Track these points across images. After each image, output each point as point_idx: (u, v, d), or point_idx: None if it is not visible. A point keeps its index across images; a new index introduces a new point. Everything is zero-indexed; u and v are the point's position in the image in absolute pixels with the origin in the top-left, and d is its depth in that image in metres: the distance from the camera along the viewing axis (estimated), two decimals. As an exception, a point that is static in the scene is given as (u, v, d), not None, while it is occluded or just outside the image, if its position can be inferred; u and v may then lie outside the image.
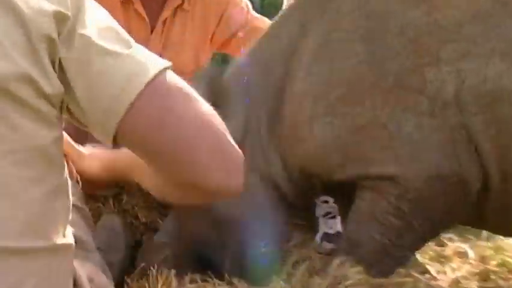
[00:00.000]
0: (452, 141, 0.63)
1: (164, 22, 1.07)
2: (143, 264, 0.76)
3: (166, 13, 1.06)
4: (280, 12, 0.87)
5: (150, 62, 0.36)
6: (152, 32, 1.06)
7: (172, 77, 0.38)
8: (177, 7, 1.06)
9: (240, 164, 0.38)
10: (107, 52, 0.34)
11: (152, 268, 0.72)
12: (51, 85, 0.33)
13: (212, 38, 1.13)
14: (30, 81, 0.32)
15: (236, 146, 0.38)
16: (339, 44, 0.69)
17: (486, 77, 0.61)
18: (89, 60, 0.34)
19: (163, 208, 0.94)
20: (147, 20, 1.05)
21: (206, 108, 0.38)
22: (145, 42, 0.74)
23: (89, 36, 0.34)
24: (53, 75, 0.34)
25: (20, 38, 0.32)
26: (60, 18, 0.33)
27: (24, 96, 0.32)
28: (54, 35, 0.33)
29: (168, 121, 0.35)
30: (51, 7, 0.33)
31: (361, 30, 0.67)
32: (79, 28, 0.34)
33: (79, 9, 0.35)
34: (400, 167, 0.64)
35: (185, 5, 1.06)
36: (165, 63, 0.38)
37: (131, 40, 0.38)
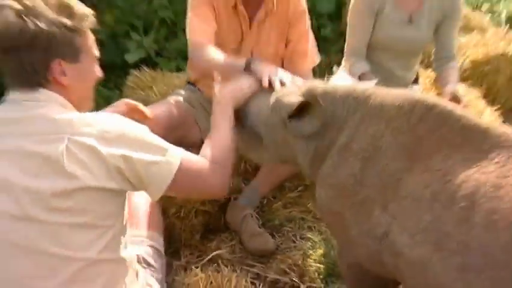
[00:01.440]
0: None
1: (258, 22, 1.36)
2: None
3: (260, 15, 1.35)
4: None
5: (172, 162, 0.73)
6: (250, 27, 1.37)
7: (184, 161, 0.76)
8: (268, 11, 1.34)
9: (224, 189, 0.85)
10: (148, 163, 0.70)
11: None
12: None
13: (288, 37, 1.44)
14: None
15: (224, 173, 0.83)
16: None
17: None
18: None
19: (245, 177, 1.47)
20: (247, 18, 1.35)
21: (205, 163, 0.80)
22: (244, 35, 1.35)
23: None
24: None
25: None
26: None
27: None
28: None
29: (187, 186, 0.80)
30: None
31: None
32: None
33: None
34: None
35: (274, 10, 1.35)
36: (179, 158, 0.74)
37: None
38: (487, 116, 1.61)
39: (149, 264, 0.92)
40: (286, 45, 1.43)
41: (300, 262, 1.22)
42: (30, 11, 0.65)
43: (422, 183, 0.71)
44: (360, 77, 1.37)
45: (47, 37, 0.66)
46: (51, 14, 0.67)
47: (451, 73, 1.42)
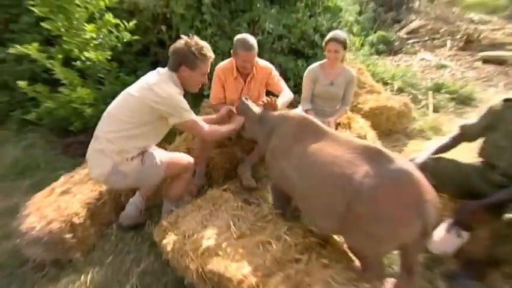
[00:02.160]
0: None
1: (248, 82, 2.49)
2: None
3: (248, 79, 2.48)
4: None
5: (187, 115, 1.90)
6: (245, 85, 2.50)
7: (192, 120, 1.93)
8: (252, 76, 2.47)
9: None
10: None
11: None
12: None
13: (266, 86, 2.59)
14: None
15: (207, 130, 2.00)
16: None
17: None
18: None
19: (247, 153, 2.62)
20: (242, 82, 2.49)
21: (205, 127, 1.98)
22: (242, 90, 2.52)
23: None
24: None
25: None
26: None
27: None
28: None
29: (191, 131, 2.15)
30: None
31: None
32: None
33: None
34: None
35: (255, 75, 2.49)
36: (187, 118, 1.90)
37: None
38: (371, 135, 2.93)
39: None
40: (266, 85, 2.55)
41: (265, 193, 2.43)
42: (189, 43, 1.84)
43: (298, 151, 1.61)
44: (306, 111, 2.65)
45: (188, 55, 1.82)
46: (194, 50, 1.82)
47: (342, 111, 2.73)
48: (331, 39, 2.52)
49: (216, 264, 1.57)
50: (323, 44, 2.61)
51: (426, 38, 6.58)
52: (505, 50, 5.35)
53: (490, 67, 5.02)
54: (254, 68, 2.45)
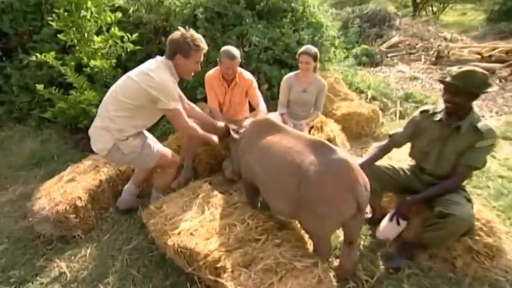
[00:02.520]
0: None
1: (231, 88, 2.59)
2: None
3: (232, 85, 2.58)
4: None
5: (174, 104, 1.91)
6: (228, 89, 2.59)
7: (177, 110, 1.94)
8: (235, 83, 2.57)
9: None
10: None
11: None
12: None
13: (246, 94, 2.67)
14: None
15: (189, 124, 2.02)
16: None
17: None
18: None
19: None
20: (227, 87, 2.59)
21: (186, 120, 1.99)
22: (226, 93, 2.63)
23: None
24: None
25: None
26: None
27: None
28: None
29: (173, 120, 2.01)
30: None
31: None
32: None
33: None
34: None
35: (238, 83, 2.58)
36: (173, 106, 1.91)
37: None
38: (340, 138, 3.03)
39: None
40: (247, 95, 2.67)
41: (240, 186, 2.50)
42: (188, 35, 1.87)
43: (259, 146, 1.74)
44: (282, 115, 2.82)
45: (183, 45, 1.83)
46: (189, 40, 1.84)
47: (314, 115, 2.86)
48: (302, 53, 2.65)
49: (189, 242, 1.71)
50: (297, 56, 2.73)
51: (404, 52, 6.68)
52: (467, 65, 5.42)
53: (455, 80, 5.10)
54: (237, 77, 2.59)
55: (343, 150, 1.56)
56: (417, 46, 6.73)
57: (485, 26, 9.37)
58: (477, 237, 1.68)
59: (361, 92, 4.29)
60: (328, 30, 4.32)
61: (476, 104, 4.26)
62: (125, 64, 3.78)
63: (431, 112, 1.80)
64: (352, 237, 1.57)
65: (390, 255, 1.86)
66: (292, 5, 3.97)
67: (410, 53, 6.64)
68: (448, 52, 6.00)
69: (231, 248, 1.61)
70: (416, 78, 5.31)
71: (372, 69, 6.24)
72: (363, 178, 1.47)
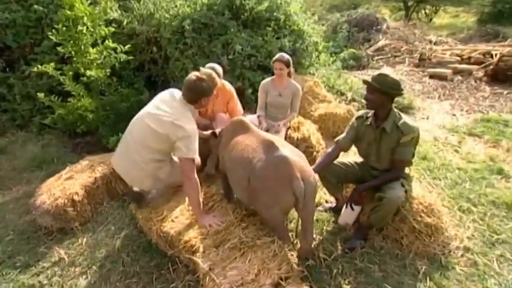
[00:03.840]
0: None
1: (212, 99, 2.54)
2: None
3: (214, 96, 2.63)
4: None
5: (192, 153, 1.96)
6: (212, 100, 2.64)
7: (189, 162, 1.95)
8: (216, 95, 2.73)
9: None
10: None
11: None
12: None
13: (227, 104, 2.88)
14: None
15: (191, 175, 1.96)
16: None
17: None
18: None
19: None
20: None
21: (194, 174, 1.97)
22: (209, 104, 2.47)
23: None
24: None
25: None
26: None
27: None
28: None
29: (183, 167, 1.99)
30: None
31: None
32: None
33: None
34: None
35: (218, 95, 2.76)
36: (192, 155, 1.95)
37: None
38: (316, 137, 3.31)
39: None
40: (227, 107, 2.89)
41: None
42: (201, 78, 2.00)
43: (231, 143, 1.98)
44: (259, 116, 3.08)
45: (207, 89, 2.01)
46: (210, 83, 2.07)
47: (290, 116, 3.13)
48: (276, 60, 2.95)
49: (170, 228, 1.98)
50: (271, 63, 3.03)
51: (389, 55, 6.97)
52: (447, 68, 5.71)
53: (433, 81, 5.40)
54: (218, 90, 2.85)
55: (288, 149, 1.79)
56: (402, 49, 7.02)
57: (474, 28, 9.68)
58: (419, 218, 1.94)
59: (342, 94, 4.57)
60: (310, 36, 4.62)
61: (449, 103, 4.56)
62: (120, 73, 4.11)
63: (364, 117, 2.08)
64: (304, 223, 1.78)
65: (349, 238, 2.12)
66: (275, 14, 4.29)
67: (395, 56, 6.94)
68: (430, 55, 6.29)
69: (206, 235, 1.87)
70: (398, 80, 5.59)
71: (359, 72, 6.54)
72: (305, 172, 1.70)
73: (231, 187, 2.26)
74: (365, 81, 1.97)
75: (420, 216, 1.95)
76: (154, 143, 2.01)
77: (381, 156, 2.01)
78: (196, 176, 1.96)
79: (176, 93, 2.09)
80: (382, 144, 1.99)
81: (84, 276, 2.07)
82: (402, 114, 1.98)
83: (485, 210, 2.34)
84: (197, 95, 2.00)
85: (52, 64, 3.28)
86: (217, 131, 2.50)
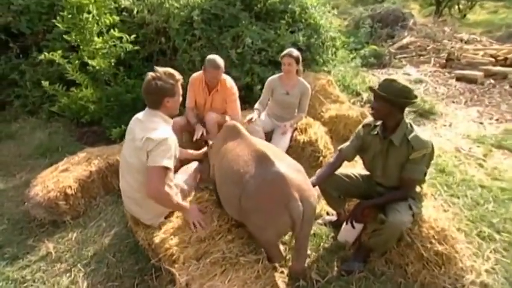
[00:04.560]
0: None
1: (212, 94, 2.64)
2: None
3: (213, 91, 2.63)
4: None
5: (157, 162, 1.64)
6: (209, 95, 2.65)
7: (160, 170, 1.65)
8: (216, 90, 2.62)
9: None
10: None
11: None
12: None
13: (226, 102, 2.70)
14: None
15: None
16: None
17: None
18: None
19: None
20: (208, 92, 2.64)
21: (162, 184, 1.68)
22: (206, 98, 2.71)
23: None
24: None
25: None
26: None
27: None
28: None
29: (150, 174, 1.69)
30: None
31: None
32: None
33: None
34: None
35: (219, 89, 2.63)
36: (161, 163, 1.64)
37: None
38: (324, 140, 3.02)
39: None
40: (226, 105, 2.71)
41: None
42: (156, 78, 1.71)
43: (221, 150, 1.80)
44: (255, 109, 2.79)
45: (166, 87, 1.70)
46: (167, 79, 1.72)
47: (298, 117, 2.92)
48: (285, 55, 2.71)
49: (155, 235, 1.86)
50: (279, 58, 2.79)
51: (414, 54, 6.48)
52: (478, 70, 5.19)
53: (461, 84, 4.92)
54: (220, 84, 2.67)
55: (284, 163, 1.56)
56: (428, 48, 6.50)
57: (514, 25, 8.77)
58: (428, 245, 1.69)
59: (357, 94, 4.25)
60: (326, 31, 4.31)
61: (477, 110, 4.13)
62: (129, 62, 4.01)
63: (372, 126, 1.82)
64: (298, 244, 1.59)
65: (347, 258, 1.91)
66: (290, 6, 4.01)
67: (420, 55, 6.43)
68: (460, 54, 5.76)
69: (188, 245, 1.72)
70: (421, 81, 5.17)
71: (379, 70, 6.12)
72: (304, 192, 1.48)
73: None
74: (370, 89, 1.72)
75: (431, 242, 1.70)
76: (139, 176, 1.79)
77: (388, 172, 1.77)
78: (164, 188, 1.70)
79: (142, 114, 1.86)
80: (389, 158, 1.74)
81: (67, 275, 1.99)
82: (415, 126, 1.72)
83: (511, 239, 2.03)
84: (157, 96, 1.74)
85: (60, 52, 3.21)
86: (210, 141, 2.30)
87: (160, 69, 1.75)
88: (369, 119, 1.90)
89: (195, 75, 2.75)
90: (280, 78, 2.88)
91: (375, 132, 1.78)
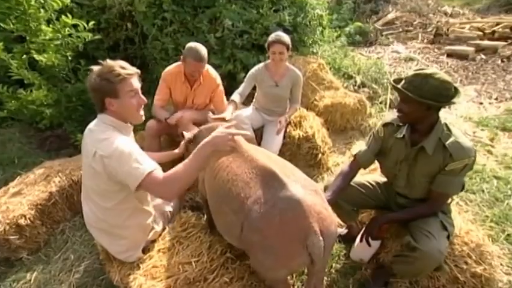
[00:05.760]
0: None
1: (194, 89, 2.22)
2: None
3: (195, 85, 2.21)
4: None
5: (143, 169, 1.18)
6: (191, 90, 2.22)
7: (151, 178, 1.18)
8: (199, 84, 2.20)
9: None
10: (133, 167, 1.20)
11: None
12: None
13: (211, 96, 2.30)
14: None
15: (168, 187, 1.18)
16: None
17: None
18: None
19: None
20: (189, 86, 2.21)
21: (162, 183, 1.18)
22: (188, 94, 2.23)
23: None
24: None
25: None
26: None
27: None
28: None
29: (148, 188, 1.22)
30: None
31: None
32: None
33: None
34: None
35: (202, 83, 2.21)
36: (150, 168, 1.18)
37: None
38: (321, 135, 2.56)
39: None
40: (211, 100, 2.30)
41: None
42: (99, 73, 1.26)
43: (212, 163, 1.37)
44: (230, 101, 2.22)
45: (104, 85, 1.25)
46: (106, 76, 1.24)
47: (292, 110, 2.49)
48: (274, 41, 2.22)
49: (132, 278, 1.44)
50: (266, 45, 2.31)
51: (400, 29, 6.11)
52: (468, 45, 4.91)
53: (452, 61, 4.63)
54: (202, 76, 2.19)
55: (299, 184, 1.17)
56: (414, 23, 6.14)
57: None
58: (464, 266, 1.39)
59: (349, 77, 3.86)
60: (313, 9, 3.81)
61: (474, 89, 3.86)
62: (92, 54, 3.37)
63: (395, 125, 1.45)
64: (315, 279, 1.24)
65: (365, 281, 1.59)
66: (273, -19, 3.46)
67: (407, 31, 6.07)
68: (447, 29, 5.44)
69: (174, 282, 1.34)
70: (411, 59, 4.84)
71: (366, 49, 5.73)
72: (325, 220, 1.11)
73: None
74: (395, 88, 1.32)
75: (466, 262, 1.40)
76: (101, 201, 1.40)
77: (414, 183, 1.42)
78: (167, 186, 1.22)
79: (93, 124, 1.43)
80: (417, 168, 1.38)
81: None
82: (453, 128, 1.34)
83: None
84: (96, 97, 1.34)
85: (0, 44, 2.56)
86: (186, 134, 1.81)
87: (108, 63, 1.30)
88: (390, 116, 1.51)
89: (169, 69, 2.24)
90: (267, 68, 2.40)
91: (401, 135, 1.40)
